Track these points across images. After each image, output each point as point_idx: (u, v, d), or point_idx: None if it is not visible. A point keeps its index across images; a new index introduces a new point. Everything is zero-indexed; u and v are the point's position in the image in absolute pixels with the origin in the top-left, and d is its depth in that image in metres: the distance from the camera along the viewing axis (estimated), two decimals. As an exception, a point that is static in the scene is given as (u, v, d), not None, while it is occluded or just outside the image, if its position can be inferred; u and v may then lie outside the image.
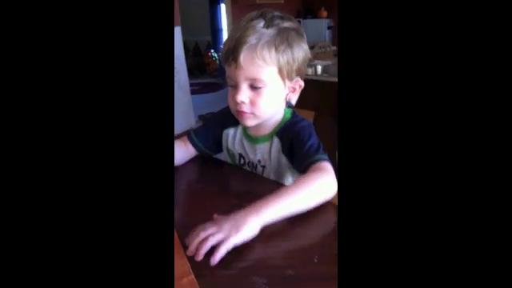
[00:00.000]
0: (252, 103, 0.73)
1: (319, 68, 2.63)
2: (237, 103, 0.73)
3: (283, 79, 0.75)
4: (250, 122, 0.78)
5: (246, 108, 0.74)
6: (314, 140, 0.75)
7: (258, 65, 0.70)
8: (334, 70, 2.62)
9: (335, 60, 3.01)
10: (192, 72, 5.74)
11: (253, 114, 0.75)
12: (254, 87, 0.72)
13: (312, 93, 1.33)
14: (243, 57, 0.69)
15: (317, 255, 0.52)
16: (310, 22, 4.69)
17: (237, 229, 0.53)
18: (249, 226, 0.54)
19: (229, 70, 0.73)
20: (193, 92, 3.74)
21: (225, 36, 6.66)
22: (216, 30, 7.11)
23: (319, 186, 0.63)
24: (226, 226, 0.54)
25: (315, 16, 4.76)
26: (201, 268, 0.50)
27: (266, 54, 0.69)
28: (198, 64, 6.94)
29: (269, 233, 0.57)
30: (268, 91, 0.73)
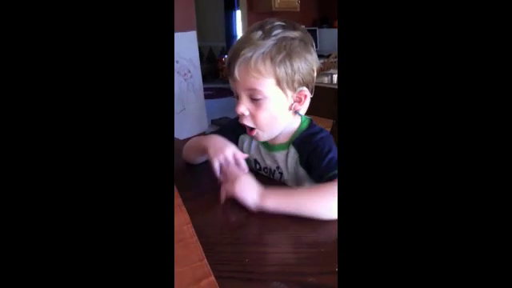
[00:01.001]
0: (252, 116, 0.73)
1: (335, 77, 2.63)
2: (239, 115, 0.74)
3: (284, 90, 0.72)
4: (262, 138, 0.78)
5: (247, 121, 0.74)
6: (334, 153, 0.73)
7: (253, 76, 0.69)
8: (350, 79, 2.62)
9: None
10: (206, 77, 5.78)
11: (256, 127, 0.75)
12: (253, 99, 0.72)
13: (329, 101, 1.32)
14: (238, 70, 0.70)
15: (337, 264, 0.51)
16: (326, 32, 4.69)
17: (242, 191, 0.64)
18: (250, 198, 0.63)
19: (230, 82, 0.74)
20: (206, 97, 3.76)
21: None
22: (231, 36, 7.16)
23: (334, 202, 0.61)
24: (242, 184, 0.65)
25: (331, 25, 4.76)
26: (221, 270, 0.50)
27: (260, 66, 0.69)
28: (211, 69, 6.99)
29: (292, 238, 0.57)
30: (268, 103, 0.72)
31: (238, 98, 0.74)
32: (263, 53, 0.68)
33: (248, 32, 0.72)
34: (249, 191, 0.64)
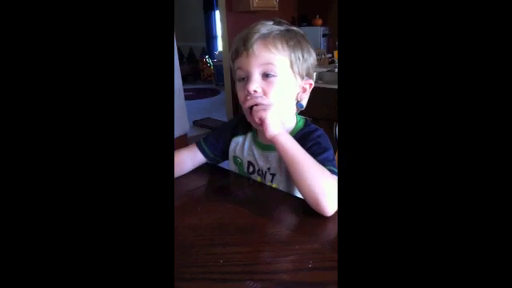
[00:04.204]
0: (264, 93, 0.72)
1: (314, 75, 2.64)
2: (249, 93, 0.71)
3: (294, 75, 0.75)
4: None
5: (261, 100, 0.71)
6: (329, 154, 0.74)
7: (270, 51, 0.71)
8: (329, 76, 2.64)
9: (330, 67, 3.03)
10: (186, 78, 5.75)
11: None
12: (265, 76, 0.72)
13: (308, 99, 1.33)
14: (257, 44, 0.70)
15: (311, 260, 0.51)
16: (305, 30, 4.66)
17: (271, 119, 0.67)
18: (273, 126, 0.67)
19: (238, 63, 0.73)
20: (187, 98, 3.74)
21: (219, 42, 6.69)
22: (210, 37, 7.14)
23: (325, 183, 0.63)
24: (272, 113, 0.68)
25: (310, 24, 4.79)
26: (195, 272, 0.50)
27: (278, 43, 0.72)
28: (192, 70, 6.96)
29: (266, 237, 0.57)
30: (280, 81, 0.73)
31: (247, 77, 0.73)
32: (278, 34, 0.72)
33: (256, 23, 0.74)
34: (275, 121, 0.68)
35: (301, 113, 0.88)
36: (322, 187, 0.63)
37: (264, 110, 0.68)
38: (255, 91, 0.71)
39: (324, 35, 4.68)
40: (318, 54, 3.80)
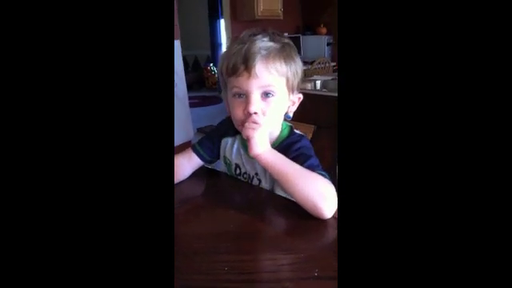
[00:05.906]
0: (262, 112, 0.73)
1: (318, 83, 2.65)
2: (249, 114, 0.72)
3: (289, 91, 0.77)
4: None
5: (259, 118, 0.72)
6: (313, 160, 0.74)
7: (271, 73, 0.71)
8: (333, 85, 2.64)
9: (334, 75, 3.04)
10: (191, 86, 5.77)
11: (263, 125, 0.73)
12: (264, 97, 0.73)
13: (311, 107, 1.33)
14: (258, 66, 0.70)
15: (317, 269, 0.51)
16: (310, 39, 4.74)
17: (257, 137, 0.69)
18: (260, 144, 0.69)
19: (237, 82, 0.72)
20: (192, 105, 3.75)
21: (224, 51, 6.71)
22: (215, 45, 7.17)
23: (318, 186, 0.64)
24: (259, 132, 0.69)
25: (314, 32, 4.81)
26: (197, 280, 0.49)
27: (277, 63, 0.72)
28: (197, 78, 6.98)
29: (268, 245, 0.56)
30: (276, 101, 0.74)
31: (246, 97, 0.73)
32: (276, 54, 0.72)
33: (251, 36, 0.73)
34: (262, 140, 0.70)
35: (307, 121, 0.88)
36: (316, 191, 0.63)
37: (253, 129, 0.69)
38: (255, 112, 0.72)
39: (328, 44, 4.69)
40: (321, 63, 3.81)
